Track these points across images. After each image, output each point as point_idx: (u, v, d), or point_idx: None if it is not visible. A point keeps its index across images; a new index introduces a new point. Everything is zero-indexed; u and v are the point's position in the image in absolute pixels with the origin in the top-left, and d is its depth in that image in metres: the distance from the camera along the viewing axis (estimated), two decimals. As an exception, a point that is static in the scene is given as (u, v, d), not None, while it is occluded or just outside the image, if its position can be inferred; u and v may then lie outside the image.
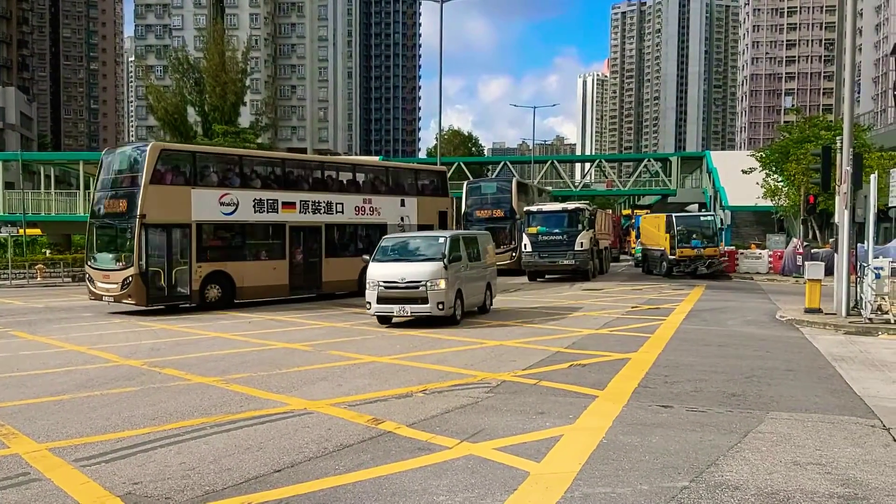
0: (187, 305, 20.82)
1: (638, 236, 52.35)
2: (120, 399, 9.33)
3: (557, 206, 33.41)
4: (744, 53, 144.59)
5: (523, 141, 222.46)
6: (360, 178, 26.84)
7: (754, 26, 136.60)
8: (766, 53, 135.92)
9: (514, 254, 34.87)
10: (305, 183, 24.39)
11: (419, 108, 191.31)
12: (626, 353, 12.54)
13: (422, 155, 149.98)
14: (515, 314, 18.88)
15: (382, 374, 11.02)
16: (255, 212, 22.23)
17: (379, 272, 16.23)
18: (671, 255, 33.42)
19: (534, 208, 32.85)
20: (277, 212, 22.80)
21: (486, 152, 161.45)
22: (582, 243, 30.98)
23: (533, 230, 31.62)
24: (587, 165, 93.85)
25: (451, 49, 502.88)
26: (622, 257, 55.48)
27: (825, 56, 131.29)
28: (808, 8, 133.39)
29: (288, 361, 12.18)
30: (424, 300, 15.83)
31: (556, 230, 31.25)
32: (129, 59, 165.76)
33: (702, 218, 35.95)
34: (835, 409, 8.66)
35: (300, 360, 12.33)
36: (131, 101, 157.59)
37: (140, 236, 19.45)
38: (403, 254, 17.02)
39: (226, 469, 6.40)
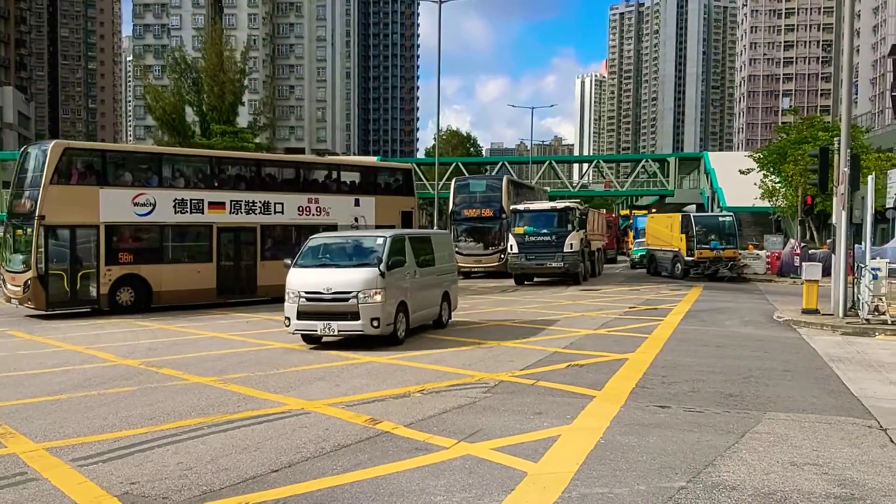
0: (98, 309, 19.78)
1: (636, 237, 52.31)
2: (117, 399, 9.33)
3: (546, 205, 31.60)
4: (741, 55, 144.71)
5: (521, 141, 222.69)
6: (306, 175, 25.32)
7: (752, 27, 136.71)
8: (764, 55, 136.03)
9: (502, 255, 33.06)
10: (241, 182, 23.26)
11: (417, 109, 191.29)
12: (624, 353, 12.55)
13: (420, 155, 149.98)
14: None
15: (380, 374, 11.02)
16: (175, 212, 21.10)
17: (300, 280, 13.44)
18: (688, 256, 32.28)
19: (520, 207, 30.99)
20: (203, 212, 21.61)
21: (484, 152, 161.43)
22: (572, 244, 29.04)
23: (519, 230, 29.72)
24: (585, 166, 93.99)
25: (448, 49, 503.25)
26: (620, 258, 55.24)
27: (823, 58, 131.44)
28: (806, 9, 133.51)
29: (285, 361, 12.18)
30: (355, 315, 12.91)
31: (545, 230, 29.34)
32: (128, 59, 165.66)
33: (720, 218, 34.77)
34: (832, 409, 8.67)
35: (297, 359, 12.34)
36: (129, 101, 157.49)
37: (39, 238, 18.73)
38: (333, 257, 14.05)
39: (223, 469, 6.40)
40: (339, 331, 13.20)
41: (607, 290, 27.31)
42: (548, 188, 61.76)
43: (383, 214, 25.21)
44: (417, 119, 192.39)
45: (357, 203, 25.16)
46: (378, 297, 13.04)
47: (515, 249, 29.66)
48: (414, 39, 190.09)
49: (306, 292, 13.18)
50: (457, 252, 35.18)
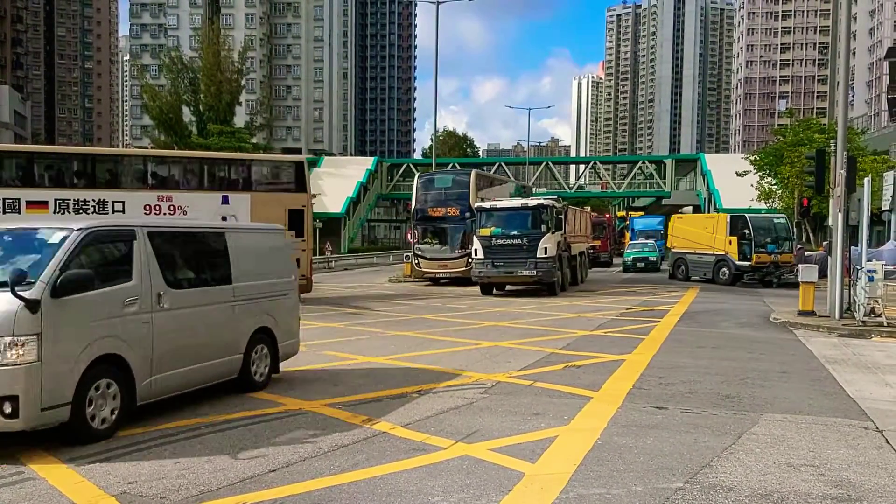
0: None
1: (633, 238, 52.16)
2: (114, 398, 9.28)
3: (516, 203, 27.23)
4: (738, 57, 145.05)
5: (518, 142, 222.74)
6: (156, 170, 22.78)
7: (749, 29, 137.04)
8: (761, 56, 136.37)
9: (470, 260, 28.37)
10: (76, 177, 21.35)
11: (414, 109, 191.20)
12: (621, 354, 12.56)
13: (417, 155, 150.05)
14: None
15: (377, 374, 11.01)
16: None
17: None
18: (741, 260, 29.85)
19: (486, 205, 26.62)
20: (19, 212, 19.71)
21: (481, 153, 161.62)
22: (546, 249, 24.82)
23: (485, 232, 25.46)
24: (582, 167, 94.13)
25: (444, 50, 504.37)
26: (617, 261, 54.38)
27: (819, 60, 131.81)
28: (803, 12, 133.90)
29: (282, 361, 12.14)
30: None
31: (514, 232, 25.14)
32: (125, 59, 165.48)
33: (776, 220, 32.27)
34: (828, 410, 8.69)
35: (294, 359, 12.30)
36: (126, 101, 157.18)
37: None
38: None
39: (220, 469, 6.39)
40: None
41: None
42: (544, 188, 61.60)
43: (262, 213, 22.00)
44: (414, 120, 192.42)
45: (226, 200, 22.44)
46: (19, 354, 6.57)
47: (480, 254, 25.52)
48: (411, 40, 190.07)
49: None
50: (420, 255, 31.74)
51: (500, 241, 25.23)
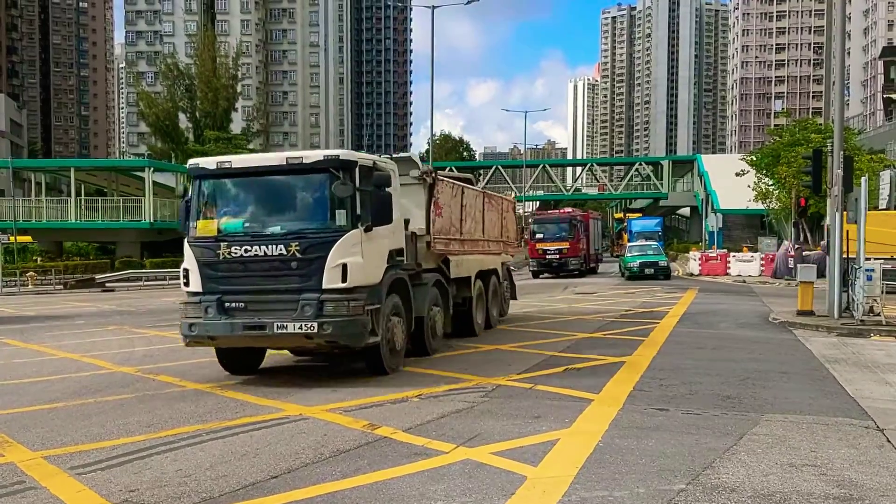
0: None
1: (632, 240, 51.83)
2: (115, 406, 9.30)
3: (274, 159, 10.88)
4: (733, 57, 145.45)
5: (515, 145, 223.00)
6: None
7: (744, 30, 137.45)
8: (756, 57, 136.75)
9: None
10: None
11: (410, 114, 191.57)
12: (621, 356, 12.54)
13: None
14: None
15: (376, 379, 10.99)
16: None
17: None
18: None
19: (207, 163, 10.81)
20: None
21: (477, 157, 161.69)
22: (346, 267, 9.92)
23: (206, 228, 10.62)
24: (578, 169, 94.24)
25: (439, 53, 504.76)
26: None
27: (814, 60, 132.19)
28: (798, 12, 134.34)
29: (281, 367, 12.14)
30: None
31: (273, 230, 10.28)
32: (120, 66, 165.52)
33: None
34: (829, 410, 8.69)
35: (294, 365, 12.30)
36: (122, 108, 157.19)
37: None
38: None
39: (222, 476, 6.38)
40: None
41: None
42: (541, 191, 61.24)
43: None
44: (411, 124, 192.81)
45: None
46: None
47: (195, 283, 10.52)
48: (407, 44, 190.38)
49: None
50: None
51: (241, 251, 10.19)
